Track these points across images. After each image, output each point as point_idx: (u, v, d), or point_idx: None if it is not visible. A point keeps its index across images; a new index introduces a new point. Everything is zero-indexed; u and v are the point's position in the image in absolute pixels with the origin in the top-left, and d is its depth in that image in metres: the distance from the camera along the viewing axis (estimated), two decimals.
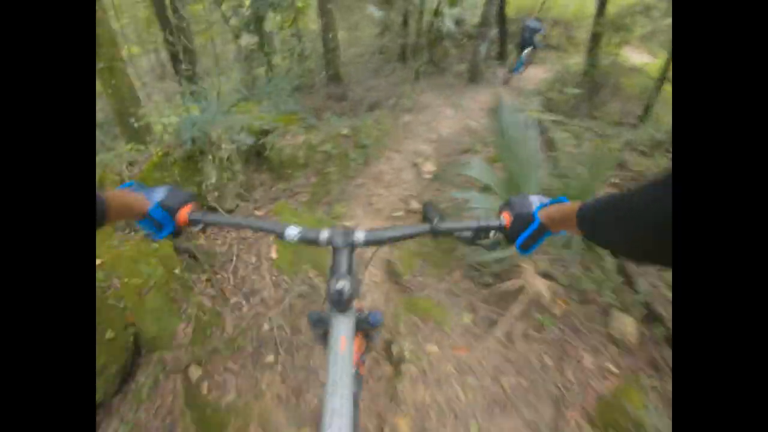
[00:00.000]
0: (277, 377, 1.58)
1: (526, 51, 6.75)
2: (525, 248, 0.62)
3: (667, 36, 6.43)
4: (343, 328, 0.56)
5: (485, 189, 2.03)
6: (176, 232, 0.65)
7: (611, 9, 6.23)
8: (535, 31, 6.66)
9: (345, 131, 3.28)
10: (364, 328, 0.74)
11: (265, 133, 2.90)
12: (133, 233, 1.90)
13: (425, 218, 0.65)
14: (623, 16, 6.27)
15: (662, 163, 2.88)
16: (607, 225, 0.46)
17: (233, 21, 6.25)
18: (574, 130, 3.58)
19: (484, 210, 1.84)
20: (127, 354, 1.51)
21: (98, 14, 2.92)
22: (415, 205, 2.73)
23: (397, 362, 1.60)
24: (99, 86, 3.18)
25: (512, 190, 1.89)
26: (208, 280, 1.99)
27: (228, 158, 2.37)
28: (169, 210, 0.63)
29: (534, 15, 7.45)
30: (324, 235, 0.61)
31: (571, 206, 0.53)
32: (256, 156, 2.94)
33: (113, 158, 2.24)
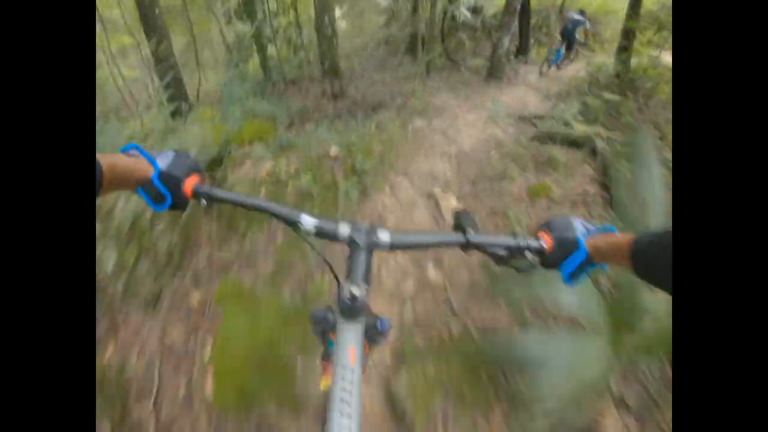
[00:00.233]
0: None
1: (564, 44, 6.29)
2: (572, 279, 0.56)
3: None
4: (351, 337, 0.48)
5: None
6: (181, 205, 0.56)
7: (647, 3, 5.25)
8: (578, 23, 6.13)
9: (334, 151, 2.30)
10: (372, 334, 0.60)
11: (219, 162, 1.95)
12: None
13: (457, 227, 0.58)
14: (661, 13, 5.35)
15: None
16: (668, 265, 0.40)
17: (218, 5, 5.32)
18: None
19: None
20: None
21: None
22: (433, 275, 1.78)
23: None
24: None
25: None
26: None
27: (133, 224, 1.42)
28: (175, 179, 0.53)
29: (577, 8, 6.96)
30: (344, 229, 0.54)
31: (623, 239, 0.49)
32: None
33: None
